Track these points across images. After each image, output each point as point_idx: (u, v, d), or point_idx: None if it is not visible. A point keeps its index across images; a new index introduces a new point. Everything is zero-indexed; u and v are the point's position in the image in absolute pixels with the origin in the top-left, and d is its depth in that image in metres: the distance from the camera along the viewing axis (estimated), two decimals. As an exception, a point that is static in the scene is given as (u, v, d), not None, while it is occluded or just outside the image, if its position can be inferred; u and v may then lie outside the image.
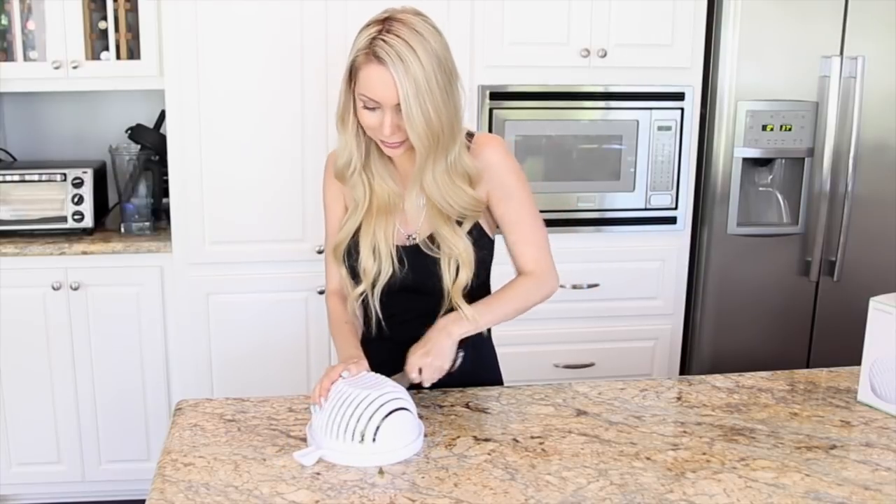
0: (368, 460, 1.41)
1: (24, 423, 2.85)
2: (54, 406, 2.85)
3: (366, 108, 1.52)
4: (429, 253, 1.63)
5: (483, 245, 1.68)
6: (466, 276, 1.63)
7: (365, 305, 1.72)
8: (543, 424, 1.58)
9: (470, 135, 1.66)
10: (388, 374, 1.55)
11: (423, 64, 1.46)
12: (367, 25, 1.51)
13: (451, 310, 1.65)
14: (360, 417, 1.41)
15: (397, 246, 1.66)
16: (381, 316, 1.69)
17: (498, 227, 1.72)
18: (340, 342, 1.69)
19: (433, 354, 1.57)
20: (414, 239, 1.66)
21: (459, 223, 1.64)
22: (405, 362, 1.59)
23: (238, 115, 2.75)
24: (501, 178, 1.66)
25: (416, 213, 1.65)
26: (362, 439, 1.41)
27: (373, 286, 1.66)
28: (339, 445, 1.41)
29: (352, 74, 1.52)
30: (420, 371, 1.58)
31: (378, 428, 1.41)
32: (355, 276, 1.68)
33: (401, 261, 1.65)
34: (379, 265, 1.64)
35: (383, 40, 1.46)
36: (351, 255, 1.68)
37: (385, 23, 1.49)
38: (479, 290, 1.70)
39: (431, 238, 1.64)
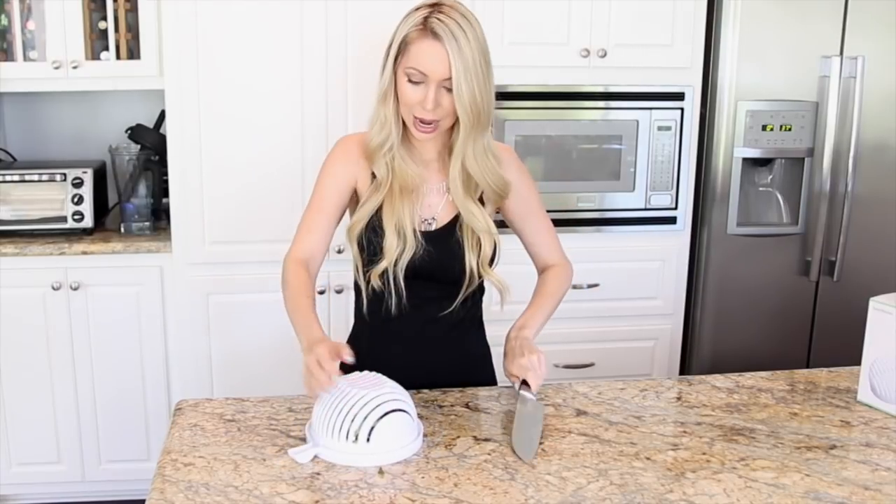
0: (363, 460, 1.41)
1: (24, 423, 2.85)
2: (54, 406, 2.85)
3: (410, 81, 1.58)
4: (448, 237, 1.68)
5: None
6: (490, 249, 1.69)
7: (382, 284, 1.69)
8: (543, 424, 1.57)
9: None
10: (396, 359, 1.64)
11: (472, 46, 1.55)
12: (417, 8, 1.59)
13: (477, 288, 1.72)
14: (355, 417, 1.41)
15: (416, 230, 1.68)
16: (403, 293, 1.67)
17: (508, 225, 1.80)
18: (301, 319, 1.61)
19: (542, 362, 1.64)
20: (431, 224, 1.70)
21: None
22: (517, 382, 1.65)
23: (238, 115, 2.75)
24: (516, 175, 1.75)
25: (436, 199, 1.70)
26: (356, 439, 1.41)
27: (394, 265, 1.67)
28: (334, 444, 1.42)
29: (400, 50, 1.58)
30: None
31: (372, 429, 1.41)
32: (374, 253, 1.67)
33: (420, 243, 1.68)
34: (403, 243, 1.66)
35: (438, 18, 1.55)
36: (376, 233, 1.67)
37: (436, 6, 1.57)
38: (478, 288, 1.75)
39: (451, 224, 1.69)
